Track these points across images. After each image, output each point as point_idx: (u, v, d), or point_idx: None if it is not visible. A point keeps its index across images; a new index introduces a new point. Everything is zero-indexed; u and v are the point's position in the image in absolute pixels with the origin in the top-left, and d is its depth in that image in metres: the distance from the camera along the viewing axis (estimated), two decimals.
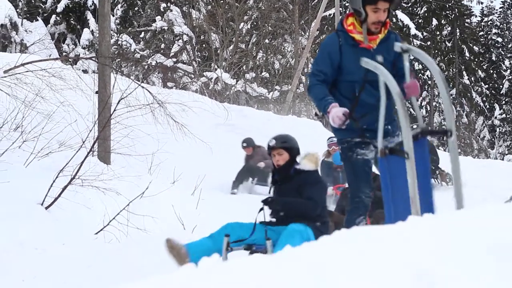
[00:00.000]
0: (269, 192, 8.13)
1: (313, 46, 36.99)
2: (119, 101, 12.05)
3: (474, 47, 49.56)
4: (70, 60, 25.95)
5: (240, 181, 16.51)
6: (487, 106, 49.05)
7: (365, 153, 6.47)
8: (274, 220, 7.49)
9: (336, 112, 6.06)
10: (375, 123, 5.79)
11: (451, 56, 47.46)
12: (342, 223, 6.76)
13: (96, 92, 14.81)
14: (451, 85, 46.15)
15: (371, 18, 6.26)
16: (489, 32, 53.50)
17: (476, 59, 49.98)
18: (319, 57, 6.56)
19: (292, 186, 7.57)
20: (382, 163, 5.41)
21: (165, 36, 36.95)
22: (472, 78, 48.40)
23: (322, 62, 6.44)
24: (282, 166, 7.71)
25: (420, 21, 46.51)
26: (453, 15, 48.01)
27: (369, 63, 5.48)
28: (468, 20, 50.01)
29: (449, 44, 47.65)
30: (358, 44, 6.32)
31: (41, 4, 36.90)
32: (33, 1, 36.47)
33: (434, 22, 46.31)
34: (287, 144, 7.87)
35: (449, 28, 48.26)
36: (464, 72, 47.80)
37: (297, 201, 7.41)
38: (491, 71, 51.70)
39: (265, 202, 7.38)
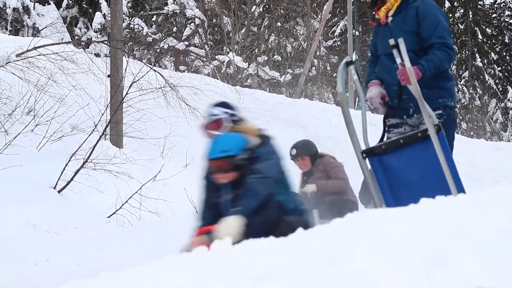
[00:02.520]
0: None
1: (325, 29, 36.88)
2: (131, 84, 12.07)
3: (487, 29, 49.28)
4: (82, 43, 25.96)
5: None
6: (500, 89, 48.78)
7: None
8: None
9: (369, 92, 5.90)
10: (393, 100, 5.73)
11: (463, 38, 47.22)
12: None
13: (108, 76, 14.84)
14: (463, 68, 45.97)
15: None
16: (502, 14, 53.16)
17: (489, 41, 49.71)
18: None
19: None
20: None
21: (177, 19, 36.89)
22: (485, 61, 48.17)
23: (371, 42, 6.35)
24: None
25: None
26: None
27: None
28: (480, 2, 49.70)
29: (461, 27, 47.41)
30: (380, 21, 6.11)
31: None
32: None
33: (447, 4, 46.07)
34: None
35: (462, 10, 48.00)
36: (476, 55, 47.57)
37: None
38: (504, 53, 51.39)
39: None
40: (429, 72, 5.53)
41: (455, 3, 47.21)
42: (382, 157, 5.48)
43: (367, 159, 5.58)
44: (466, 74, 45.39)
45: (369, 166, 5.64)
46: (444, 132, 5.22)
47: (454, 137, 5.87)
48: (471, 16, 47.84)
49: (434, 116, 5.29)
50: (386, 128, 5.93)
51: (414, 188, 5.28)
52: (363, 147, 5.58)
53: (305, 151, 8.76)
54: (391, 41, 5.34)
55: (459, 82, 43.71)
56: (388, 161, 5.45)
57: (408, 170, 5.37)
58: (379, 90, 5.84)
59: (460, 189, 5.13)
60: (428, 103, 5.36)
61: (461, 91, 43.89)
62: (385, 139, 5.84)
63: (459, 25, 47.17)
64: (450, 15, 46.06)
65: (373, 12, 6.16)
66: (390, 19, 5.93)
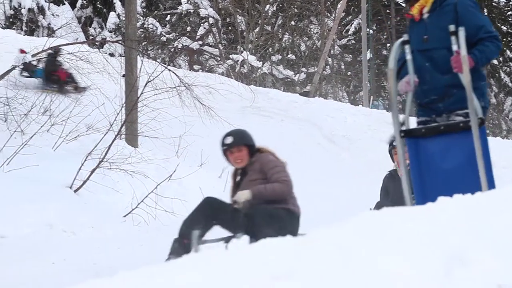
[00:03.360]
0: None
1: (339, 27, 36.82)
2: (146, 84, 12.10)
3: (502, 26, 49.08)
4: (96, 43, 26.03)
5: None
6: None
7: None
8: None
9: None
10: (422, 99, 5.73)
11: None
12: None
13: (123, 75, 14.88)
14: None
15: None
16: None
17: (504, 39, 49.53)
18: None
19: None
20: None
21: (191, 19, 36.92)
22: (501, 58, 48.00)
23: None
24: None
25: None
26: None
27: None
28: (496, 0, 49.56)
29: None
30: (414, 19, 6.07)
31: None
32: None
33: None
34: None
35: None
36: None
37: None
38: None
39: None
40: (481, 62, 5.57)
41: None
42: (419, 140, 5.49)
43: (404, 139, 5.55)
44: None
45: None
46: (485, 127, 5.27)
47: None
48: (486, 13, 47.67)
49: (480, 109, 5.34)
50: (416, 125, 5.95)
51: (444, 176, 5.32)
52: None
53: (243, 139, 7.02)
54: (452, 27, 5.34)
55: None
56: (425, 146, 5.47)
57: (442, 158, 5.40)
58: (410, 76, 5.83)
59: (491, 185, 5.15)
60: (459, 103, 5.41)
61: None
62: None
63: None
64: None
65: (408, 7, 6.12)
66: (425, 15, 5.90)
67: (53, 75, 18.57)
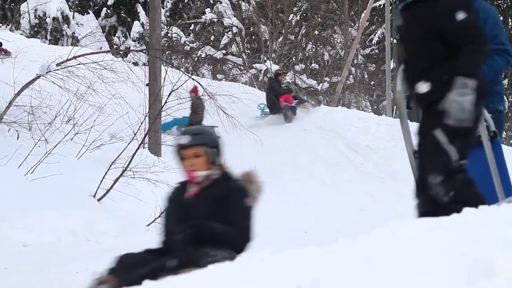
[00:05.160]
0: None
1: (362, 37, 36.77)
2: (170, 93, 12.12)
3: None
4: (121, 52, 26.15)
5: None
6: None
7: None
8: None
9: None
10: None
11: None
12: None
13: (147, 85, 14.94)
14: (503, 75, 45.61)
15: None
16: None
17: None
18: None
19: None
20: None
21: (214, 28, 37.03)
22: None
23: None
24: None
25: None
26: (505, 4, 47.42)
27: None
28: None
29: None
30: None
31: None
32: None
33: None
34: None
35: (501, 18, 47.72)
36: None
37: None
38: None
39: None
40: (489, 77, 5.46)
41: None
42: None
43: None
44: (505, 82, 45.01)
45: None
46: (499, 139, 5.21)
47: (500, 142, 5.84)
48: (510, 23, 47.47)
49: (492, 122, 5.29)
50: None
51: None
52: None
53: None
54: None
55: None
56: None
57: None
58: None
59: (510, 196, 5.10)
60: None
61: None
62: None
63: None
64: None
65: None
66: None
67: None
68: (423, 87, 4.81)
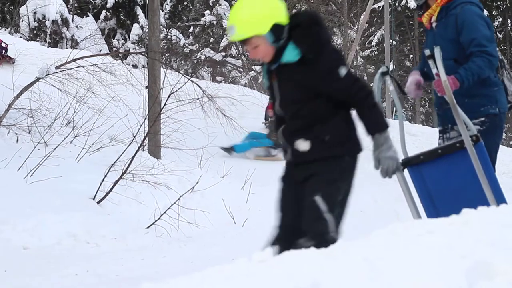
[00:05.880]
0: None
1: (362, 39, 36.78)
2: (169, 95, 12.11)
3: None
4: (120, 55, 26.16)
5: None
6: None
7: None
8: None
9: (408, 81, 5.89)
10: (439, 107, 5.74)
11: (502, 47, 46.88)
12: None
13: (146, 87, 14.93)
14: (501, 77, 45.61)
15: None
16: None
17: None
18: None
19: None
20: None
21: (214, 30, 37.03)
22: None
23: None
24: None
25: None
26: (504, 6, 47.46)
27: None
28: None
29: (500, 35, 47.07)
30: (426, 27, 6.06)
31: (91, 0, 37.24)
32: None
33: (485, 13, 45.77)
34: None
35: (500, 19, 47.70)
36: None
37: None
38: None
39: None
40: (468, 80, 5.43)
41: (494, 12, 46.92)
42: (421, 167, 5.41)
43: (405, 169, 5.51)
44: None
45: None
46: (483, 142, 5.14)
47: (498, 145, 5.79)
48: (510, 24, 47.50)
49: (473, 127, 5.23)
50: (438, 133, 5.96)
51: (454, 199, 5.21)
52: (402, 157, 5.51)
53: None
54: (427, 52, 5.31)
55: None
56: (427, 171, 5.38)
57: (447, 181, 5.30)
58: (414, 77, 5.85)
59: (501, 200, 5.05)
60: (469, 112, 5.32)
61: None
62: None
63: (498, 34, 46.85)
64: None
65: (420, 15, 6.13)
66: (434, 24, 5.87)
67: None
68: (303, 145, 4.71)
